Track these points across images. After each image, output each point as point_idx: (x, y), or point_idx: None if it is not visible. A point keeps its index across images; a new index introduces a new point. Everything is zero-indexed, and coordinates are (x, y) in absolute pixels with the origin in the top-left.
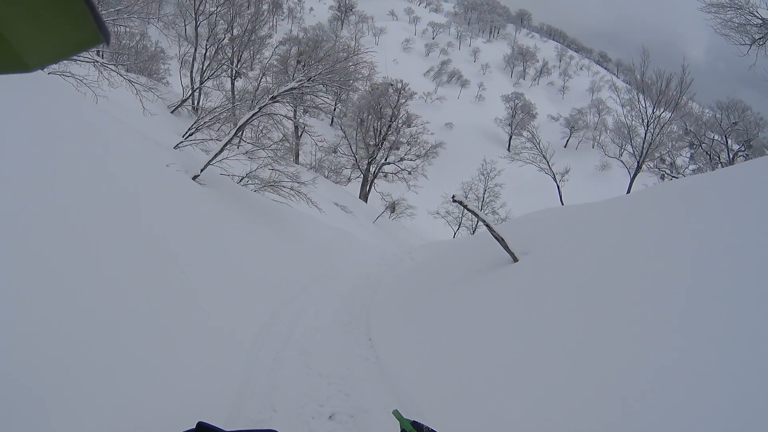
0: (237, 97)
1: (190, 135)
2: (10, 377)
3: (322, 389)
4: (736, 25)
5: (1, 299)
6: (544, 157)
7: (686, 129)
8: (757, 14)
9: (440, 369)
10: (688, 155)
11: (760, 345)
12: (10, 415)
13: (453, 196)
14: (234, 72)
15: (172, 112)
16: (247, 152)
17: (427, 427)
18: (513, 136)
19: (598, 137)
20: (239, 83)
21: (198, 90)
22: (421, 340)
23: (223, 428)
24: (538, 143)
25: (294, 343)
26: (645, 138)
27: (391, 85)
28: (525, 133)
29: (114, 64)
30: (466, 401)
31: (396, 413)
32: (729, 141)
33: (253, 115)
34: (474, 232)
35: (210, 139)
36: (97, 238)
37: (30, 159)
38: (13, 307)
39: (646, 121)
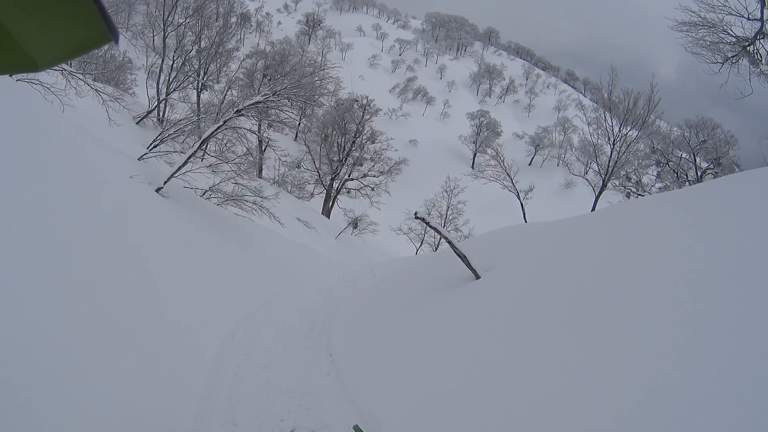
0: (202, 109)
1: (155, 147)
2: None
3: (283, 404)
4: (708, 43)
5: None
6: (508, 175)
7: (653, 147)
8: (731, 32)
9: (401, 385)
10: (655, 173)
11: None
12: None
13: (415, 213)
14: (200, 84)
15: (137, 123)
16: (210, 165)
17: None
18: (477, 154)
19: (563, 155)
20: (205, 96)
21: (164, 101)
22: (382, 357)
23: None
24: (502, 161)
25: (255, 357)
26: (611, 156)
27: (356, 101)
28: (489, 151)
29: (81, 73)
30: (427, 417)
31: (356, 428)
32: (697, 159)
33: (218, 128)
34: (436, 248)
35: (174, 152)
36: (55, 246)
37: None
38: None
39: (612, 139)
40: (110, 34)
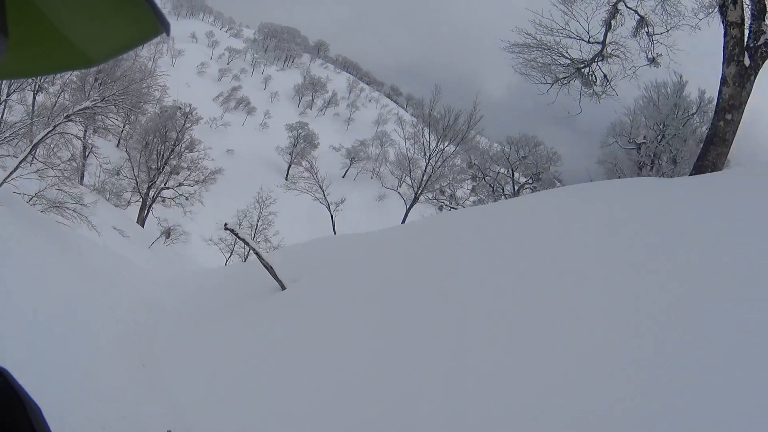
0: (36, 112)
1: None
2: None
3: (100, 412)
4: (540, 65)
5: None
6: (320, 187)
7: (470, 162)
8: (566, 55)
9: (217, 390)
10: (470, 187)
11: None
12: None
13: (225, 224)
14: (36, 86)
15: None
16: (38, 171)
17: None
18: (292, 165)
19: (377, 168)
20: (40, 98)
21: (3, 103)
22: (196, 363)
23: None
24: (316, 173)
25: (71, 368)
26: (425, 170)
27: (180, 108)
28: (304, 163)
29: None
30: (235, 417)
31: None
32: (516, 174)
33: (48, 133)
34: (246, 259)
35: (8, 155)
36: None
37: None
38: None
39: (428, 154)
40: (161, 25)
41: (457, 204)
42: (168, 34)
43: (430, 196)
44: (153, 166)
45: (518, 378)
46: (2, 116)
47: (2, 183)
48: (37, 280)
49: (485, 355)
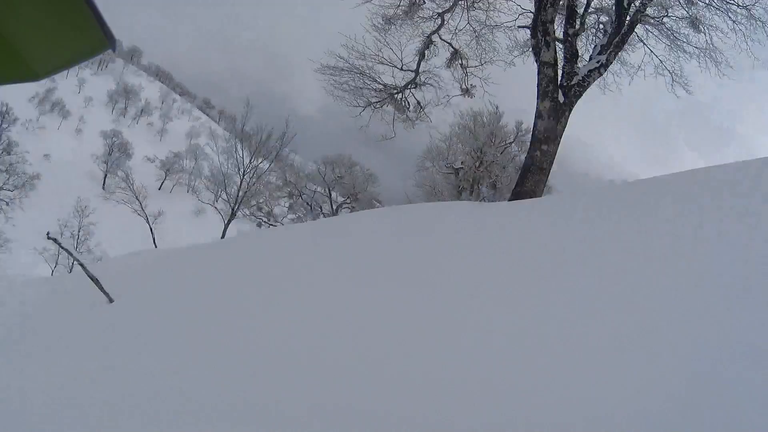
0: None
1: None
2: None
3: None
4: (352, 87)
5: None
6: (137, 199)
7: (286, 180)
8: (379, 80)
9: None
10: (287, 205)
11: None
12: None
13: (48, 233)
14: None
15: None
16: None
17: None
18: (108, 175)
19: (193, 182)
20: None
21: None
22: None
23: None
24: (132, 184)
25: None
26: (240, 186)
27: None
28: (120, 173)
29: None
30: None
31: None
32: (333, 193)
33: None
34: (71, 270)
35: None
36: None
37: None
38: None
39: (242, 170)
40: (108, 41)
41: (276, 221)
42: (114, 50)
43: (248, 212)
44: None
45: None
46: None
47: None
48: None
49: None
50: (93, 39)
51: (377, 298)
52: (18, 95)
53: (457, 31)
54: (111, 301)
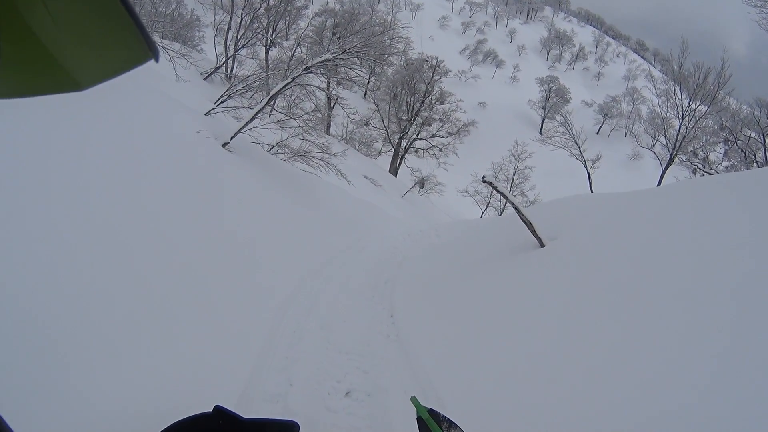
0: (271, 66)
1: (222, 102)
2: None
3: (341, 365)
4: None
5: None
6: (576, 143)
7: (722, 124)
8: None
9: (463, 355)
10: (722, 151)
11: None
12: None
13: (483, 177)
14: (269, 41)
15: (205, 79)
16: (278, 121)
17: (444, 416)
18: (546, 120)
19: (631, 126)
20: (273, 53)
21: (232, 58)
22: (443, 322)
23: (240, 415)
24: (571, 128)
25: (316, 315)
26: (679, 131)
27: (426, 61)
28: (558, 118)
29: (149, 31)
30: (489, 395)
31: (413, 400)
32: (767, 140)
33: (287, 84)
34: (501, 213)
35: (242, 107)
36: (124, 212)
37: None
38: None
39: (681, 113)
40: (151, 52)
41: (711, 168)
42: (157, 60)
43: (684, 158)
44: (403, 117)
45: None
46: (233, 70)
47: (237, 133)
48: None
49: None
50: (137, 50)
51: None
52: (447, 49)
53: None
54: (543, 245)
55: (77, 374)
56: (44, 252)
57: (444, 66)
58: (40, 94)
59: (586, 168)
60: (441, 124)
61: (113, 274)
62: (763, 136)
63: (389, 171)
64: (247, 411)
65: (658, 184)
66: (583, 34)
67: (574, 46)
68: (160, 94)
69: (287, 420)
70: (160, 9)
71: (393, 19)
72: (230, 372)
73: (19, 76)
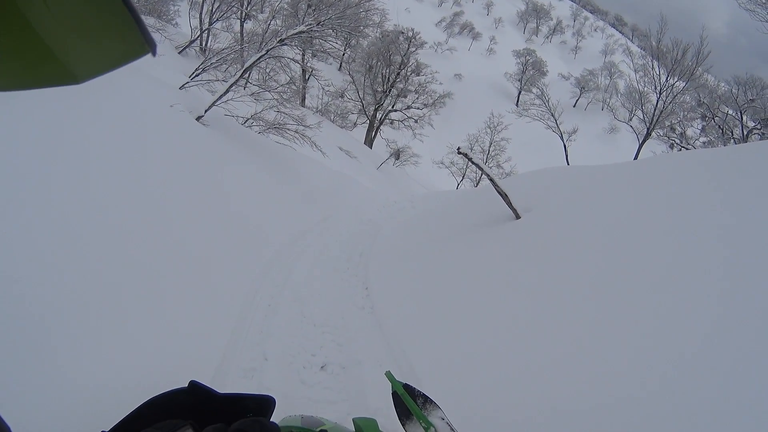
0: (245, 39)
1: (197, 75)
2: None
3: (315, 338)
4: (765, 0)
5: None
6: (552, 115)
7: (699, 100)
8: None
9: (437, 327)
10: (700, 127)
11: None
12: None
13: (458, 148)
14: (243, 14)
15: (179, 53)
16: (253, 94)
17: (419, 391)
18: (522, 92)
19: (608, 100)
20: (248, 25)
21: (207, 31)
22: (418, 294)
23: (215, 390)
24: (547, 101)
25: (290, 289)
26: (656, 105)
27: (402, 33)
28: (534, 90)
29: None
30: (463, 369)
31: (388, 375)
32: (744, 117)
33: (261, 57)
34: (477, 184)
35: (216, 80)
36: (97, 177)
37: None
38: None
39: (658, 88)
40: (147, 46)
41: (687, 143)
42: (154, 54)
43: (661, 133)
44: (378, 89)
45: None
46: (207, 43)
47: (211, 106)
48: (255, 197)
49: None
50: (134, 43)
51: None
52: (423, 21)
53: None
54: (518, 217)
55: (60, 351)
56: (24, 224)
57: (420, 38)
58: (37, 86)
59: (563, 140)
60: (416, 96)
61: (95, 249)
62: (741, 113)
63: (364, 143)
64: (223, 386)
65: (635, 158)
66: (561, 8)
67: (552, 19)
68: (131, 68)
69: (263, 395)
70: None
71: None
72: (205, 346)
73: (15, 69)
